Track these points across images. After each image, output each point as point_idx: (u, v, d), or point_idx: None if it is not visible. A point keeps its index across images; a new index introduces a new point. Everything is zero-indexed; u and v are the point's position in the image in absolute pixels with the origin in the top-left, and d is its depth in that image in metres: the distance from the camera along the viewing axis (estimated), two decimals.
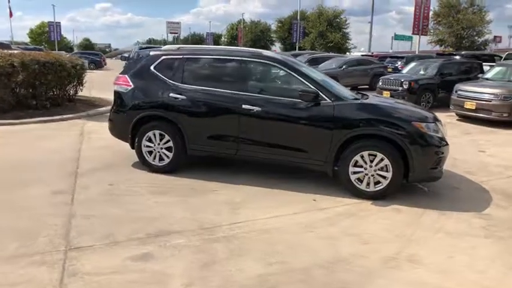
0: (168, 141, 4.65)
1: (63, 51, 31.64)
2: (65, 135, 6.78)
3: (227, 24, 56.70)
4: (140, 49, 12.09)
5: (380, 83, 11.94)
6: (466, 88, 9.23)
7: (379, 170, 4.03)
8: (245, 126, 4.35)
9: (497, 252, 3.08)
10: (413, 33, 22.90)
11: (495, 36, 34.47)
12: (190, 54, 4.77)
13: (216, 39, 60.33)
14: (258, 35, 45.44)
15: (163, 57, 4.77)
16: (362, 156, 4.06)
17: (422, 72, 12.00)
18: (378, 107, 4.22)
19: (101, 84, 13.84)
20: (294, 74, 4.34)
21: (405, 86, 11.07)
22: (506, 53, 16.39)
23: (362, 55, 22.65)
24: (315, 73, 4.66)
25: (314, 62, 16.51)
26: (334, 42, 32.72)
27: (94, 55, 30.75)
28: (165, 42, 70.99)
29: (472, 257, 2.99)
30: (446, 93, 11.06)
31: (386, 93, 11.15)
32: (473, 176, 5.06)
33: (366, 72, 15.97)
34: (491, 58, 15.74)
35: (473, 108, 8.79)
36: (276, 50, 43.56)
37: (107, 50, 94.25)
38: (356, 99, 4.34)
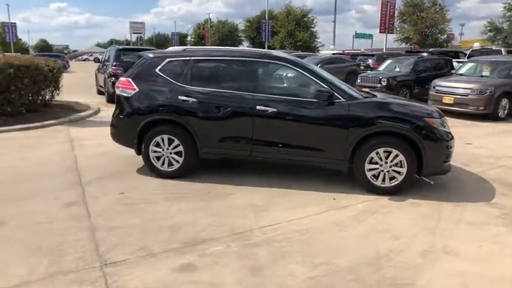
0: (177, 145, 4.52)
1: (19, 54, 29.77)
2: (52, 143, 6.40)
3: (192, 24, 55.91)
4: (119, 50, 11.64)
5: (359, 81, 12.28)
6: (443, 84, 9.70)
7: (394, 165, 4.14)
8: (260, 127, 4.31)
9: None
10: (380, 32, 23.72)
11: (448, 34, 36.56)
12: (198, 55, 4.65)
13: (182, 39, 59.35)
14: (226, 35, 45.20)
15: (169, 59, 4.62)
16: (377, 153, 4.15)
17: (397, 69, 12.48)
18: (391, 105, 4.34)
19: (72, 87, 13.21)
20: (307, 74, 4.36)
21: (384, 83, 11.47)
22: (470, 49, 17.42)
23: (333, 53, 23.14)
24: (325, 73, 4.70)
25: None
26: (303, 41, 33.25)
27: (56, 57, 29.21)
28: (127, 43, 68.92)
29: (500, 245, 3.15)
30: (421, 89, 11.60)
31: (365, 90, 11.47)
32: (469, 167, 5.33)
33: (340, 70, 16.32)
34: (456, 55, 16.64)
35: (451, 102, 9.25)
36: None
37: (65, 51, 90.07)
38: (367, 97, 4.43)
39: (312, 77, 4.33)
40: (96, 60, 12.62)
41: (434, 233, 3.34)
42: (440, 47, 23.90)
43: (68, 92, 11.62)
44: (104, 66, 12.31)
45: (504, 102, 9.05)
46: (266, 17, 36.64)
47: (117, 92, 4.79)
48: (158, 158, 4.61)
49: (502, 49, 15.18)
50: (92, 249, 2.95)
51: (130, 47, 16.16)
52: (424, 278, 2.67)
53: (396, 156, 4.11)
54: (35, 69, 8.24)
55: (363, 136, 4.12)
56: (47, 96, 9.33)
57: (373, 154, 4.15)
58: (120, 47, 12.49)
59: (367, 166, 4.19)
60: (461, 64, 11.88)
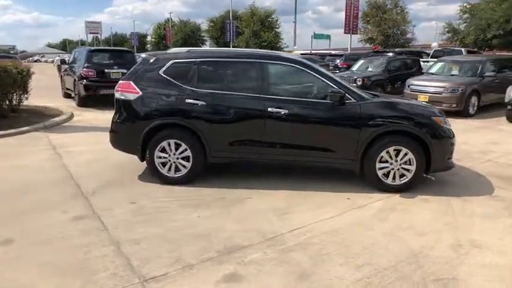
0: (184, 150, 4.37)
1: None
2: (35, 150, 5.95)
3: (149, 24, 54.22)
4: (90, 51, 11.05)
5: None
6: (417, 83, 10.15)
7: (403, 163, 4.26)
8: (271, 129, 4.27)
9: None
10: (345, 33, 24.45)
11: (411, 35, 38.53)
12: (204, 57, 4.52)
13: (142, 39, 57.63)
14: (189, 34, 44.47)
15: (173, 61, 4.45)
16: (387, 152, 4.25)
17: (370, 69, 12.91)
18: (400, 105, 4.46)
19: (34, 90, 12.38)
20: (317, 75, 4.37)
21: (359, 83, 11.80)
22: (434, 49, 18.42)
23: (301, 54, 23.49)
24: (332, 74, 4.74)
25: None
26: (268, 41, 33.52)
27: (7, 58, 27.21)
28: (83, 43, 65.88)
29: None
30: (393, 87, 12.10)
31: None
32: (461, 162, 5.59)
33: None
34: (419, 54, 17.51)
35: (427, 100, 9.67)
36: None
37: (11, 51, 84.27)
38: (374, 97, 4.52)
39: (322, 78, 4.35)
40: (62, 61, 11.80)
41: (455, 228, 3.47)
42: (402, 47, 25.07)
43: (32, 96, 10.90)
44: (72, 68, 11.67)
45: (473, 99, 9.64)
46: (230, 17, 36.53)
47: (117, 95, 4.54)
48: (163, 164, 4.43)
49: (463, 49, 16.23)
50: (123, 265, 2.77)
51: (103, 48, 15.39)
52: (462, 271, 2.77)
53: (406, 154, 4.23)
54: (3, 71, 7.63)
55: (374, 136, 4.20)
56: (14, 101, 8.67)
57: (383, 153, 4.25)
58: (92, 48, 11.87)
59: (378, 165, 4.28)
60: (431, 63, 12.51)
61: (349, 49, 25.11)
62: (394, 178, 4.31)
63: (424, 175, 4.53)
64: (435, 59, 15.72)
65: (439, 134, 4.26)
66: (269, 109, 4.22)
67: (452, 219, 3.67)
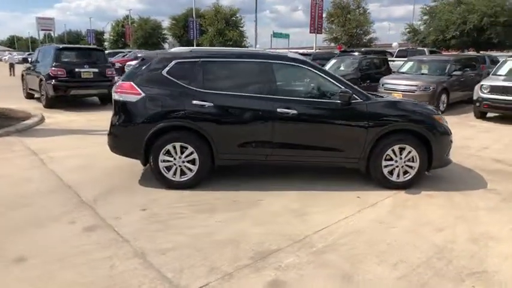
0: (191, 153, 4.22)
1: None
2: (12, 157, 5.48)
3: (107, 21, 51.84)
4: (59, 50, 10.36)
5: None
6: (391, 81, 10.55)
7: (407, 161, 4.40)
8: (280, 130, 4.23)
9: None
10: (310, 32, 24.91)
11: (374, 35, 39.79)
12: (209, 57, 4.38)
13: (99, 36, 55.13)
14: (150, 32, 43.15)
15: (177, 60, 4.27)
16: (393, 150, 4.37)
17: (342, 68, 13.22)
18: (403, 104, 4.60)
19: None
20: (324, 75, 4.39)
21: None
22: (398, 49, 19.24)
23: None
24: (337, 74, 4.78)
25: None
26: (233, 40, 33.35)
27: None
28: (33, 41, 61.98)
29: None
30: (364, 86, 12.49)
31: None
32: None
33: None
34: (384, 54, 18.23)
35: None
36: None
37: None
38: (377, 97, 4.62)
39: (329, 78, 4.38)
40: (25, 60, 10.96)
41: (466, 221, 3.63)
42: (365, 47, 25.97)
43: None
44: (36, 68, 10.91)
45: (443, 97, 10.18)
46: (193, 15, 35.88)
47: (116, 97, 4.29)
48: (168, 168, 4.25)
49: (425, 49, 17.11)
50: (158, 278, 2.61)
51: (72, 46, 14.48)
52: (490, 264, 2.89)
53: (409, 152, 4.37)
54: None
55: (380, 134, 4.29)
56: None
57: (389, 151, 4.36)
58: (60, 46, 11.11)
59: (383, 163, 4.39)
60: (397, 63, 13.05)
61: (314, 48, 25.62)
62: (398, 175, 4.44)
63: (425, 172, 4.72)
64: (400, 58, 16.47)
65: (439, 131, 4.43)
66: (278, 110, 4.18)
67: (461, 213, 3.83)
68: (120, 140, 4.32)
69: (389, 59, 16.95)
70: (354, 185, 4.50)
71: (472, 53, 18.76)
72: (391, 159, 4.39)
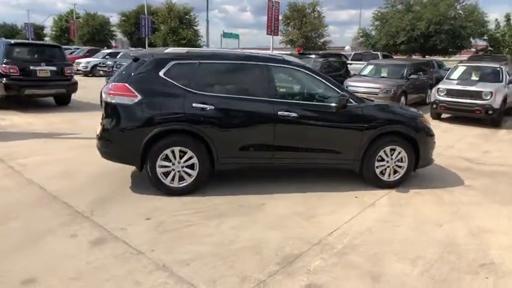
0: (190, 157, 4.08)
1: None
2: None
3: (48, 15, 47.95)
4: (10, 45, 9.43)
5: None
6: (355, 84, 11.02)
7: (397, 161, 4.63)
8: (281, 133, 4.24)
9: None
10: (267, 34, 25.16)
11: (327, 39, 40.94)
12: (208, 58, 4.26)
13: (38, 31, 51.13)
14: (97, 29, 40.84)
15: (174, 61, 4.11)
16: (384, 151, 4.57)
17: None
18: (393, 107, 4.83)
19: None
20: (320, 79, 4.48)
21: None
22: (353, 53, 20.13)
23: None
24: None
25: None
26: (187, 39, 32.70)
27: None
28: None
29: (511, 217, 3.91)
30: None
31: None
32: None
33: None
34: (339, 57, 18.97)
35: None
36: (116, 46, 40.29)
37: None
38: (369, 101, 4.81)
39: (325, 82, 4.47)
40: None
41: (460, 217, 3.90)
42: (320, 50, 26.85)
43: None
44: None
45: (402, 99, 10.84)
46: (145, 12, 34.63)
47: (109, 99, 4.02)
48: (166, 174, 4.08)
49: (379, 53, 18.11)
50: None
51: (25, 41, 13.23)
52: (494, 255, 3.14)
53: (399, 153, 4.61)
54: None
55: (375, 136, 4.48)
56: None
57: (381, 152, 4.56)
58: (12, 41, 10.12)
59: (376, 164, 4.58)
60: (355, 65, 13.67)
61: (271, 50, 25.93)
62: (389, 175, 4.66)
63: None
64: (356, 62, 17.27)
65: (426, 133, 4.73)
66: (279, 113, 4.19)
67: (452, 209, 4.12)
68: (115, 145, 4.05)
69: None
70: (349, 185, 4.64)
71: (418, 57, 20.22)
72: (383, 159, 4.59)
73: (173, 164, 4.06)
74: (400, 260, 3.00)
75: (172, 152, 4.04)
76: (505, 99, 9.21)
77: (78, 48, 24.44)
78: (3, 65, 8.94)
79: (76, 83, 10.24)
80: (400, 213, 3.94)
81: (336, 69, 13.99)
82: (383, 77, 11.53)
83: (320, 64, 13.31)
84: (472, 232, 3.56)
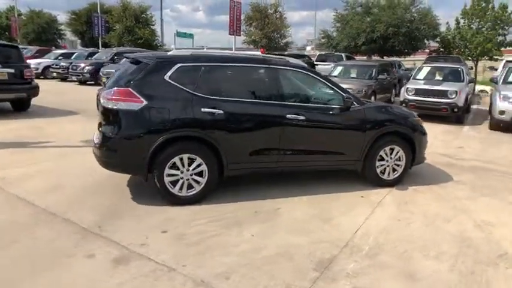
0: (199, 165, 3.93)
1: None
2: None
3: None
4: None
5: None
6: None
7: (396, 160, 4.79)
8: (289, 136, 4.22)
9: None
10: (230, 34, 25.00)
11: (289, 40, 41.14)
12: (214, 61, 4.12)
13: None
14: (43, 27, 38.13)
15: (179, 64, 3.92)
16: (384, 151, 4.71)
17: None
18: (391, 109, 4.98)
19: None
20: (325, 81, 4.51)
21: None
22: (318, 54, 20.60)
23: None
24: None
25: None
26: (144, 39, 31.58)
27: None
28: None
29: (509, 209, 4.18)
30: None
31: None
32: None
33: None
34: (308, 58, 19.40)
35: None
36: (65, 46, 38.05)
37: None
38: (369, 103, 4.92)
39: (329, 84, 4.52)
40: None
41: (462, 211, 4.11)
42: (282, 50, 27.20)
43: None
44: None
45: (372, 99, 11.27)
46: (98, 10, 32.93)
47: (110, 105, 3.75)
48: (173, 183, 3.90)
49: (343, 54, 18.69)
50: None
51: None
52: (506, 246, 3.34)
53: (397, 152, 4.77)
54: None
55: (376, 137, 4.59)
56: None
57: (382, 152, 4.69)
58: None
59: (377, 163, 4.70)
60: (324, 66, 14.01)
61: (233, 50, 25.84)
62: (388, 174, 4.80)
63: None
64: (321, 63, 17.70)
65: (421, 132, 4.94)
66: (287, 116, 4.16)
67: (451, 204, 4.33)
68: (119, 154, 3.78)
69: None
70: (350, 185, 4.71)
71: (377, 58, 21.16)
72: (383, 159, 4.72)
73: (181, 172, 3.88)
74: (426, 257, 3.10)
75: (181, 159, 3.86)
76: (466, 98, 9.90)
77: (25, 48, 22.63)
78: None
79: (37, 87, 9.48)
80: (409, 211, 4.07)
81: None
82: (352, 78, 11.91)
83: None
84: (477, 225, 3.76)
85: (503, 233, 3.60)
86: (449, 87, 9.66)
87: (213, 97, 3.95)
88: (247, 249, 3.11)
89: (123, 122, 3.74)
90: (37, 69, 19.27)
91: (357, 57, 21.16)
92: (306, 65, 4.67)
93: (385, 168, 4.75)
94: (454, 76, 10.37)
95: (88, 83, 17.20)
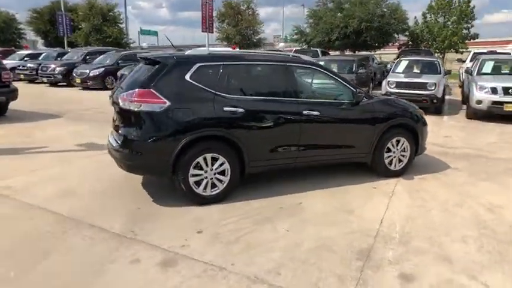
0: (221, 164, 3.94)
1: None
2: None
3: None
4: None
5: None
6: None
7: (402, 151, 5.02)
8: (306, 132, 4.31)
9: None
10: (202, 31, 24.79)
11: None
12: (231, 60, 4.12)
13: None
14: (1, 26, 35.92)
15: (199, 64, 3.90)
16: (391, 142, 4.92)
17: None
18: (397, 102, 5.19)
19: None
20: (335, 77, 4.64)
21: None
22: (294, 49, 20.81)
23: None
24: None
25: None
26: (113, 37, 30.57)
27: None
28: None
29: (509, 192, 4.50)
30: None
31: None
32: None
33: None
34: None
35: None
36: (27, 46, 36.13)
37: None
38: (376, 97, 5.10)
39: (340, 80, 4.64)
40: None
41: (468, 196, 4.38)
42: (256, 47, 27.27)
43: None
44: None
45: None
46: (62, 8, 31.44)
47: (132, 107, 3.68)
48: (197, 183, 3.89)
49: (318, 50, 19.00)
50: None
51: None
52: None
53: (403, 143, 4.99)
54: None
55: (385, 129, 4.78)
56: None
57: (389, 144, 4.89)
58: None
59: (385, 155, 4.90)
60: None
61: (207, 47, 25.60)
62: (395, 165, 5.02)
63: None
64: None
65: (423, 123, 5.19)
66: (304, 112, 4.25)
67: (457, 190, 4.59)
68: (144, 156, 3.71)
69: None
70: (359, 177, 4.86)
71: (349, 53, 21.74)
72: (390, 150, 4.92)
73: (205, 172, 3.88)
74: (453, 241, 3.30)
75: (204, 159, 3.86)
76: (444, 89, 10.42)
77: None
78: None
79: (16, 90, 9.04)
80: (421, 198, 4.29)
81: None
82: None
83: None
84: (487, 208, 4.03)
85: None
86: (428, 79, 10.12)
87: (234, 96, 3.97)
88: (287, 244, 3.18)
89: (147, 124, 3.69)
90: None
91: (331, 53, 21.61)
92: (317, 62, 4.76)
93: (392, 159, 4.96)
94: (431, 69, 10.88)
95: (59, 84, 16.53)
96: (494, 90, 8.77)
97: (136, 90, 3.70)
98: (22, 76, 17.75)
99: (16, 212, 3.72)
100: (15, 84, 9.79)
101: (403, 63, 11.43)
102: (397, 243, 3.24)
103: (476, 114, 9.31)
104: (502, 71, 10.14)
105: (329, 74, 4.64)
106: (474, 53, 14.29)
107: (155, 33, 50.06)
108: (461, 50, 18.78)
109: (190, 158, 3.78)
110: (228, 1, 27.74)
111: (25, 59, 19.28)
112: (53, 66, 16.67)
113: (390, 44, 23.38)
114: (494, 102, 8.71)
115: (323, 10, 21.81)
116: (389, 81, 10.61)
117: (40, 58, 19.14)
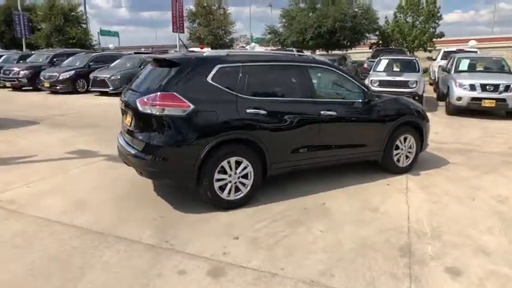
0: (245, 167, 3.87)
1: None
2: None
3: None
4: None
5: None
6: None
7: (409, 148, 5.16)
8: (324, 133, 4.33)
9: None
10: (173, 31, 24.31)
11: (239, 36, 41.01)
12: (250, 61, 4.04)
13: None
14: None
15: (220, 65, 3.80)
16: (400, 140, 5.04)
17: None
18: (404, 100, 5.32)
19: None
20: (347, 76, 4.69)
21: None
22: (270, 49, 20.84)
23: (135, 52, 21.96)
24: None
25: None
26: (77, 39, 29.24)
27: None
28: None
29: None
30: None
31: None
32: None
33: None
34: None
35: None
36: None
37: None
38: (384, 96, 5.20)
39: (352, 80, 4.70)
40: None
41: (478, 189, 4.58)
42: (228, 47, 27.07)
43: None
44: None
45: None
46: (19, 8, 29.72)
47: (154, 111, 3.51)
48: (221, 187, 3.79)
49: (294, 49, 19.13)
50: None
51: None
52: None
53: (410, 140, 5.13)
54: None
55: (394, 127, 4.89)
56: None
57: (398, 142, 5.01)
58: None
59: (394, 152, 5.02)
60: None
61: (177, 47, 25.15)
62: (402, 162, 5.15)
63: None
64: None
65: (426, 120, 5.36)
66: (322, 112, 4.26)
67: (465, 183, 4.79)
68: (170, 162, 3.56)
69: None
70: (370, 175, 4.93)
71: (322, 52, 22.14)
72: (398, 148, 5.05)
73: (229, 176, 3.79)
74: (482, 233, 3.43)
75: (228, 162, 3.77)
76: (423, 87, 10.85)
77: None
78: None
79: None
80: (435, 194, 4.42)
81: None
82: None
83: None
84: (498, 200, 4.23)
85: None
86: (409, 77, 10.50)
87: (255, 97, 3.91)
88: (328, 245, 3.17)
89: (172, 128, 3.54)
90: None
91: (306, 52, 21.90)
92: (331, 63, 4.79)
93: (400, 157, 5.09)
94: (410, 67, 11.29)
95: (24, 88, 15.60)
96: (472, 87, 9.24)
97: (159, 93, 3.54)
98: None
99: (33, 228, 3.44)
100: None
101: (384, 62, 11.78)
102: (431, 237, 3.32)
103: (456, 110, 9.76)
104: (477, 69, 10.71)
105: (342, 73, 4.69)
106: (445, 51, 15.00)
107: (116, 34, 48.50)
108: (429, 48, 19.71)
109: (215, 162, 3.68)
110: (199, 0, 27.34)
111: None
112: (16, 69, 15.71)
113: (362, 44, 24.11)
114: (473, 99, 9.18)
115: (296, 10, 22.08)
116: (372, 80, 10.89)
117: (0, 60, 17.95)
